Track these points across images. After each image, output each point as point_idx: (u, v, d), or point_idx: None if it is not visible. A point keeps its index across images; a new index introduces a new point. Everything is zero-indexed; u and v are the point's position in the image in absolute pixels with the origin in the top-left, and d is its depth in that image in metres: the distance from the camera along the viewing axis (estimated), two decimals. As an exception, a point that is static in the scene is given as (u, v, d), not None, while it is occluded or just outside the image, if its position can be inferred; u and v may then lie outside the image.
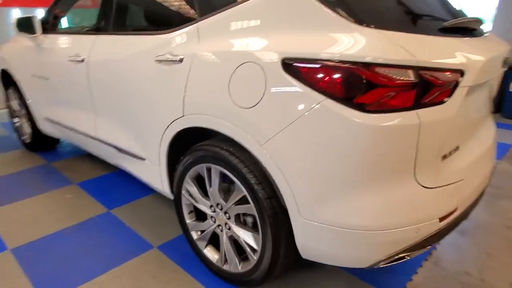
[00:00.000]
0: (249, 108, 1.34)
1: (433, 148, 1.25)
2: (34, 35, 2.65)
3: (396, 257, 1.33)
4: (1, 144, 3.80)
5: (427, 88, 1.17)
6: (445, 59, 1.23)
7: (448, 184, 1.34)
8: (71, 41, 2.49)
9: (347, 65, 1.14)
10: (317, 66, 1.18)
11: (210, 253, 1.80)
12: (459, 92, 1.24)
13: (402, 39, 1.19)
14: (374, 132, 1.15)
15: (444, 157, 1.34)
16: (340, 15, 1.21)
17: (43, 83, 2.78)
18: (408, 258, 1.36)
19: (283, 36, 1.29)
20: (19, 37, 2.98)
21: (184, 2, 1.81)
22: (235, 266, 1.67)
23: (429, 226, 1.30)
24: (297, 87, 1.21)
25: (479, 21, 1.51)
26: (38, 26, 2.63)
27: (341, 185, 1.25)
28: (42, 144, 3.45)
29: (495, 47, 1.51)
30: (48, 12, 2.84)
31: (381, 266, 1.35)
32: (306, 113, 1.20)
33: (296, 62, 1.21)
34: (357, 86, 1.14)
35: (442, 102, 1.21)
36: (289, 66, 1.23)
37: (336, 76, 1.15)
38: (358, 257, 1.35)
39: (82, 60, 2.23)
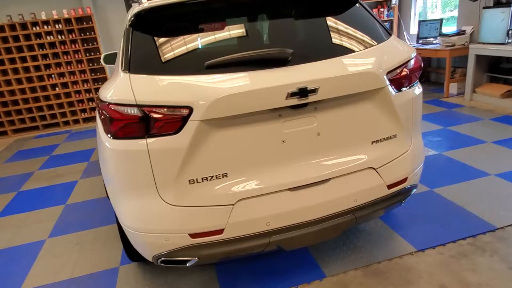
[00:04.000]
0: None
1: (169, 172, 1.48)
2: None
3: (170, 259, 1.60)
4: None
5: (152, 121, 1.42)
6: (169, 97, 1.42)
7: (202, 206, 1.52)
8: None
9: (103, 104, 1.50)
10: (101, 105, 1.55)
11: None
12: (190, 126, 1.42)
13: (148, 81, 1.47)
14: (115, 154, 1.49)
15: (192, 181, 1.51)
16: (123, 65, 1.57)
17: None
18: (189, 265, 1.60)
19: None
20: None
21: None
22: None
23: (178, 239, 1.55)
24: None
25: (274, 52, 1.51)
26: None
27: (112, 192, 1.65)
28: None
29: (292, 77, 1.48)
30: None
31: (163, 264, 1.65)
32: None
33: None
34: (106, 119, 1.48)
35: (172, 133, 1.43)
36: None
37: (101, 112, 1.54)
38: (141, 250, 1.68)
39: None
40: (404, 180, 1.81)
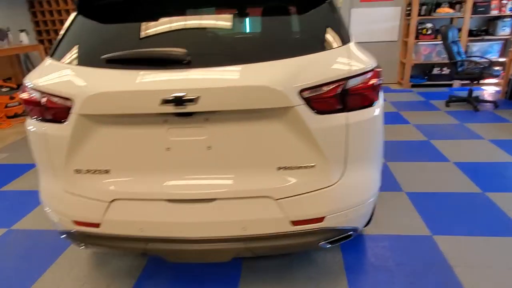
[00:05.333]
0: None
1: (59, 158, 1.52)
2: None
3: (69, 238, 1.68)
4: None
5: (44, 107, 1.48)
6: (57, 87, 1.44)
7: (84, 197, 1.55)
8: None
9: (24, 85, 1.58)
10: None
11: None
12: (72, 118, 1.43)
13: (54, 68, 1.53)
14: (28, 133, 1.59)
15: (78, 171, 1.54)
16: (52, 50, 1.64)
17: None
18: (81, 248, 1.71)
19: None
20: None
21: None
22: None
23: (66, 223, 1.62)
24: None
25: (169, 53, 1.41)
26: None
27: None
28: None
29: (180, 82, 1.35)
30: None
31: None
32: None
33: None
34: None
35: (61, 122, 1.46)
36: None
37: None
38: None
39: None
40: (320, 219, 1.51)
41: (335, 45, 1.49)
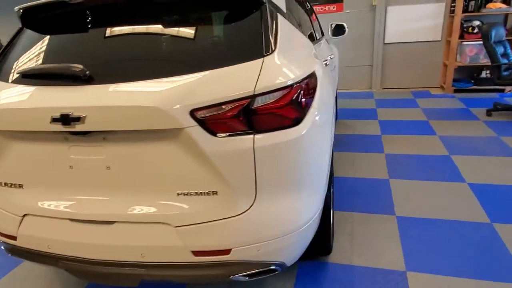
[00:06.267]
0: None
1: None
2: None
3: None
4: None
5: None
6: None
7: (3, 210, 1.56)
8: None
9: None
10: None
11: None
12: None
13: None
14: None
15: None
16: None
17: None
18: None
19: None
20: None
21: None
22: None
23: None
24: None
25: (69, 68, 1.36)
26: None
27: None
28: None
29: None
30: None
31: None
32: None
33: None
34: None
35: None
36: None
37: None
38: None
39: None
40: (225, 251, 1.36)
41: (251, 57, 1.33)
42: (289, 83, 1.31)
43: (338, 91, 6.27)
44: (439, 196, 2.64)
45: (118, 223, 1.40)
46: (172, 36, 1.44)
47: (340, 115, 4.83)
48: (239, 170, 1.29)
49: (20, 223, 1.53)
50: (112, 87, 1.31)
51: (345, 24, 3.60)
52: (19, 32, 1.68)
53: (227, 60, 1.32)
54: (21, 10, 1.55)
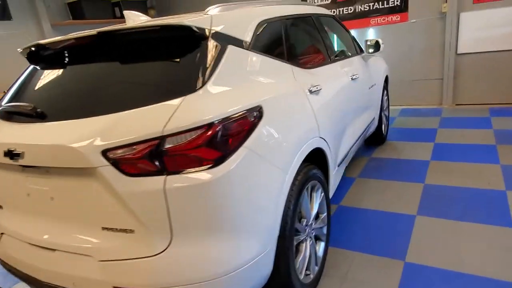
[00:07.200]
0: None
1: None
2: None
3: None
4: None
5: None
6: None
7: None
8: None
9: None
10: None
11: None
12: None
13: None
14: None
15: None
16: None
17: None
18: None
19: None
20: None
21: None
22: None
23: None
24: None
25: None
26: None
27: None
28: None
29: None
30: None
31: None
32: None
33: None
34: None
35: None
36: None
37: None
38: None
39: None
40: None
41: (172, 96, 1.32)
42: (206, 122, 1.25)
43: (402, 107, 5.74)
44: (473, 242, 2.21)
45: (58, 251, 1.49)
46: (107, 76, 1.51)
47: (391, 136, 4.39)
48: (151, 210, 1.27)
49: (0, 239, 1.73)
50: (50, 125, 1.42)
51: (380, 40, 3.29)
52: None
53: (148, 100, 1.33)
54: None
